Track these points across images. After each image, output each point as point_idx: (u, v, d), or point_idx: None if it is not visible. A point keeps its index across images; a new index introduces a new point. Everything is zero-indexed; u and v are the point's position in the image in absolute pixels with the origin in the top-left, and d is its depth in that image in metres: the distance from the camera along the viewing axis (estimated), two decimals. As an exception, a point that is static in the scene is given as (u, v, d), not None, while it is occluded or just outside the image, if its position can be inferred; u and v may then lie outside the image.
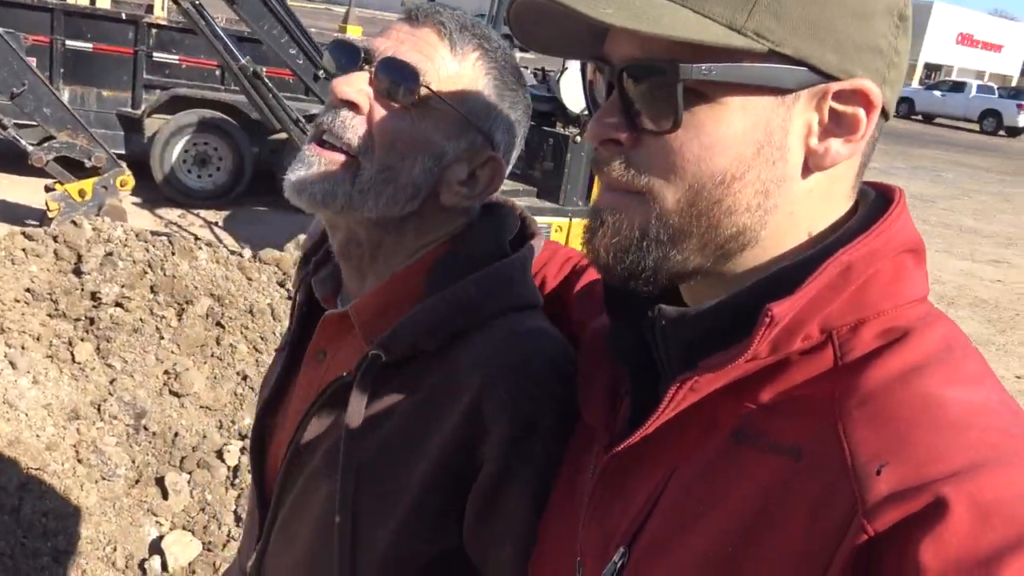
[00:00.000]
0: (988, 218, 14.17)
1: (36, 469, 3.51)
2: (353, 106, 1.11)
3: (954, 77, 47.99)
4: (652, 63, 0.77)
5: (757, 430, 0.75)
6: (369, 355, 1.10)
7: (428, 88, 1.09)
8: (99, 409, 3.99)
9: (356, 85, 1.10)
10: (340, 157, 1.11)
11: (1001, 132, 34.52)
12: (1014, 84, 56.45)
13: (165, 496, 3.72)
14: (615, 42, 0.83)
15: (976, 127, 35.22)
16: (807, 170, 0.79)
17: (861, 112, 0.77)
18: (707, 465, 0.78)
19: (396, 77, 1.09)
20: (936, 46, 56.68)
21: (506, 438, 1.05)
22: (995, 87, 38.11)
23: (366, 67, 1.11)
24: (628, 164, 0.81)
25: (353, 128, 1.11)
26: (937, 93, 36.98)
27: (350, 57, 1.13)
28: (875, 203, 0.84)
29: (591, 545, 0.89)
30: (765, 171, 0.78)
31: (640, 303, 0.87)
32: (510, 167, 1.23)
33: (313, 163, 1.12)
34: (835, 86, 0.76)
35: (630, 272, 0.82)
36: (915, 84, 48.09)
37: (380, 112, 1.11)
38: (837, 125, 0.78)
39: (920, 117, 36.74)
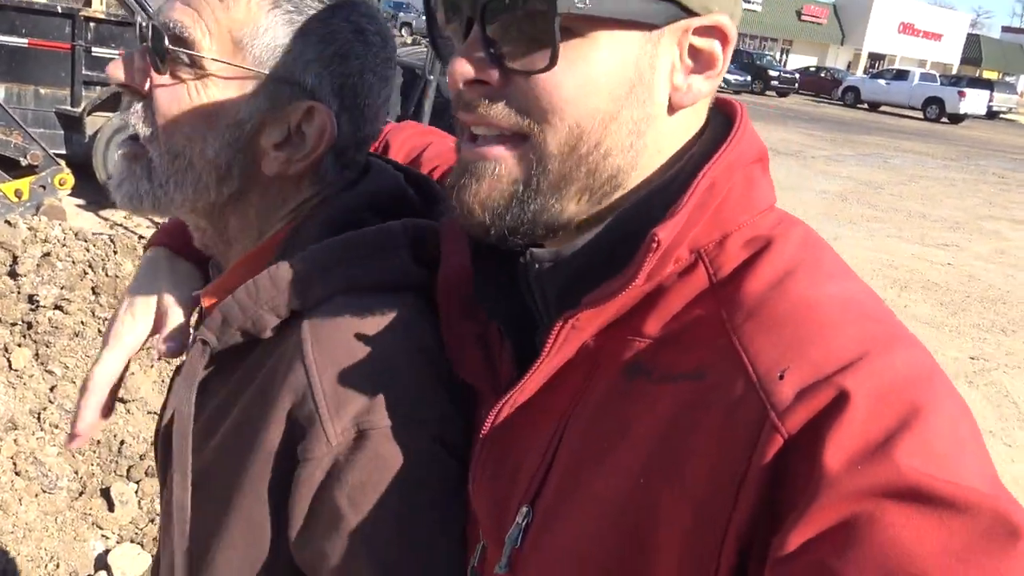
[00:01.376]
0: (935, 203, 14.40)
1: (-29, 484, 3.31)
2: (131, 91, 0.98)
3: (897, 66, 48.93)
4: None
5: (650, 364, 0.75)
6: (196, 341, 0.99)
7: (193, 49, 0.94)
8: (39, 418, 3.80)
9: (130, 65, 0.97)
10: (133, 148, 0.99)
11: (944, 119, 35.12)
12: (954, 72, 57.78)
13: (111, 508, 3.54)
14: None
15: (920, 115, 35.85)
16: (671, 107, 0.80)
17: (718, 47, 0.79)
18: (602, 405, 0.77)
19: (158, 46, 0.95)
20: (879, 36, 57.80)
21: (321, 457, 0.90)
22: (937, 75, 38.87)
23: (148, 39, 0.97)
24: (501, 107, 0.77)
25: (137, 115, 0.98)
26: (881, 81, 37.59)
27: (137, 31, 0.99)
28: (718, 120, 0.85)
29: (485, 516, 0.84)
30: (636, 110, 0.78)
31: (502, 249, 0.84)
32: (374, 109, 1.04)
33: (118, 162, 1.01)
34: (695, 22, 0.77)
35: (510, 228, 0.79)
36: (860, 73, 49.04)
37: (157, 92, 0.97)
38: (696, 61, 0.79)
39: (866, 105, 37.37)
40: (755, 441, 0.65)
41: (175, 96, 0.95)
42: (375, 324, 0.94)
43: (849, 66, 56.42)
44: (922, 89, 36.20)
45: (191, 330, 1.08)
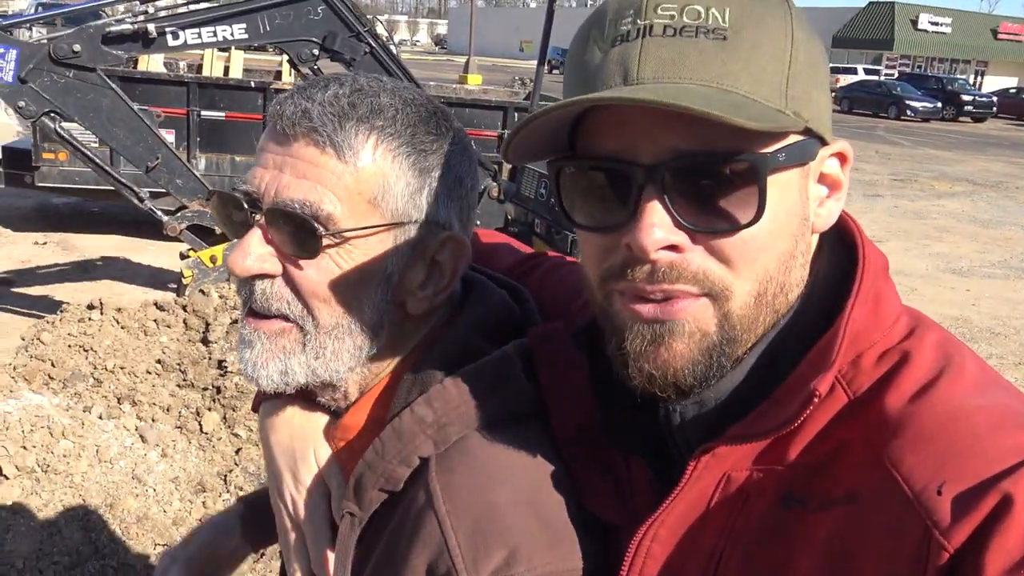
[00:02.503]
0: None
1: (163, 544, 3.51)
2: (261, 277, 0.92)
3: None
4: (726, 155, 0.73)
5: (802, 493, 0.76)
6: (344, 514, 0.94)
7: (328, 226, 0.88)
8: (225, 480, 3.99)
9: (252, 253, 0.90)
10: (279, 325, 0.93)
11: None
12: None
13: (288, 571, 3.65)
14: (645, 134, 0.72)
15: None
16: (811, 233, 0.83)
17: (839, 168, 0.83)
18: (758, 540, 0.77)
19: (291, 230, 0.89)
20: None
21: None
22: None
23: (256, 217, 0.91)
24: (691, 267, 0.76)
25: (277, 296, 0.92)
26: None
27: (238, 209, 0.93)
28: (836, 238, 0.87)
29: None
30: (803, 244, 0.81)
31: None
32: (474, 206, 1.02)
33: (254, 340, 0.94)
34: (828, 150, 0.82)
35: (702, 379, 0.79)
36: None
37: (296, 272, 0.91)
38: (826, 186, 0.83)
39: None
40: (925, 560, 0.66)
41: (322, 272, 0.91)
42: (507, 463, 0.89)
43: (1056, 84, 51.84)
44: None
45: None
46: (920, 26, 50.28)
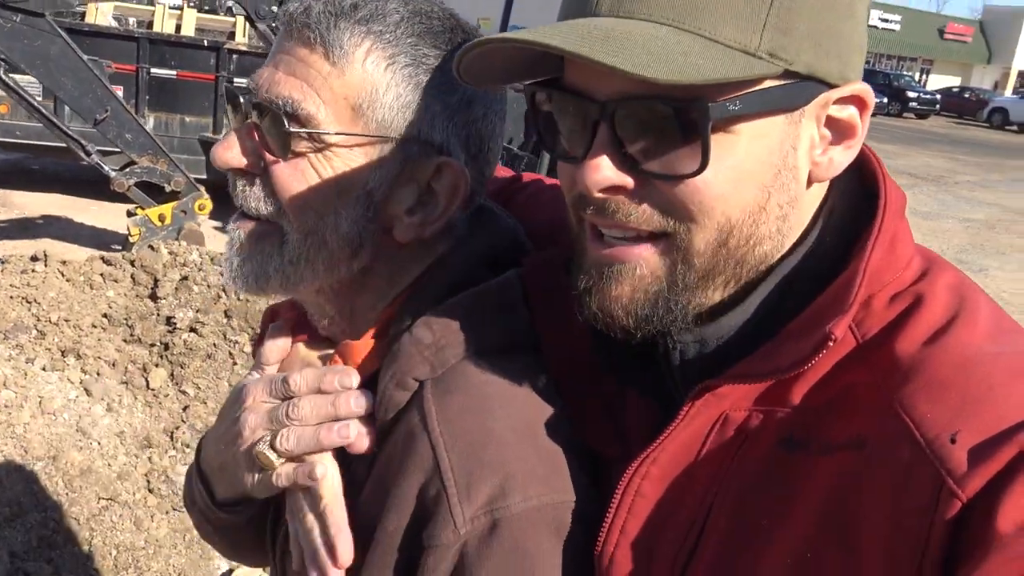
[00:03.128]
0: (1096, 233, 13.32)
1: (108, 499, 3.46)
2: (242, 172, 0.91)
3: (1051, 85, 45.91)
4: (667, 102, 0.69)
5: (805, 436, 0.73)
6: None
7: (309, 125, 0.86)
8: (172, 437, 3.94)
9: (234, 147, 0.89)
10: (260, 227, 0.92)
11: (1104, 141, 32.71)
12: (1117, 91, 53.70)
13: (236, 528, 3.63)
14: (599, 74, 0.70)
15: (1077, 137, 33.50)
16: (809, 182, 0.77)
17: (856, 114, 0.75)
18: (757, 482, 0.75)
19: (272, 127, 0.87)
20: (1030, 53, 54.41)
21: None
22: (1097, 94, 36.23)
23: (253, 115, 0.90)
24: (642, 210, 0.73)
25: (255, 196, 0.91)
26: (1033, 102, 35.37)
27: (233, 105, 0.91)
28: (853, 176, 0.81)
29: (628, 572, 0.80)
30: (782, 195, 0.75)
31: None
32: (496, 151, 0.96)
33: (235, 239, 0.93)
34: (835, 94, 0.74)
35: (657, 327, 0.77)
36: (1008, 93, 46.28)
37: (275, 171, 0.89)
38: (834, 132, 0.76)
39: (1015, 127, 35.16)
40: (933, 507, 0.64)
41: (297, 173, 0.88)
42: (507, 391, 0.87)
43: (996, 86, 53.34)
44: (1080, 109, 33.85)
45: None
46: (870, 22, 50.93)
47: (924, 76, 52.66)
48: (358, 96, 0.87)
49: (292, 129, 0.86)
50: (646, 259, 0.75)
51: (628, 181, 0.72)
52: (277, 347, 1.00)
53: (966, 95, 40.50)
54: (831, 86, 0.73)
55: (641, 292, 0.75)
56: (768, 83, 0.70)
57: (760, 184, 0.73)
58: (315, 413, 0.89)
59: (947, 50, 53.94)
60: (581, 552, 0.82)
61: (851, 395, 0.72)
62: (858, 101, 0.75)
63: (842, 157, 0.76)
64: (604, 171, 0.71)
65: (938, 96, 38.10)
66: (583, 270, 0.78)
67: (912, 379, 0.70)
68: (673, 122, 0.69)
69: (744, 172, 0.72)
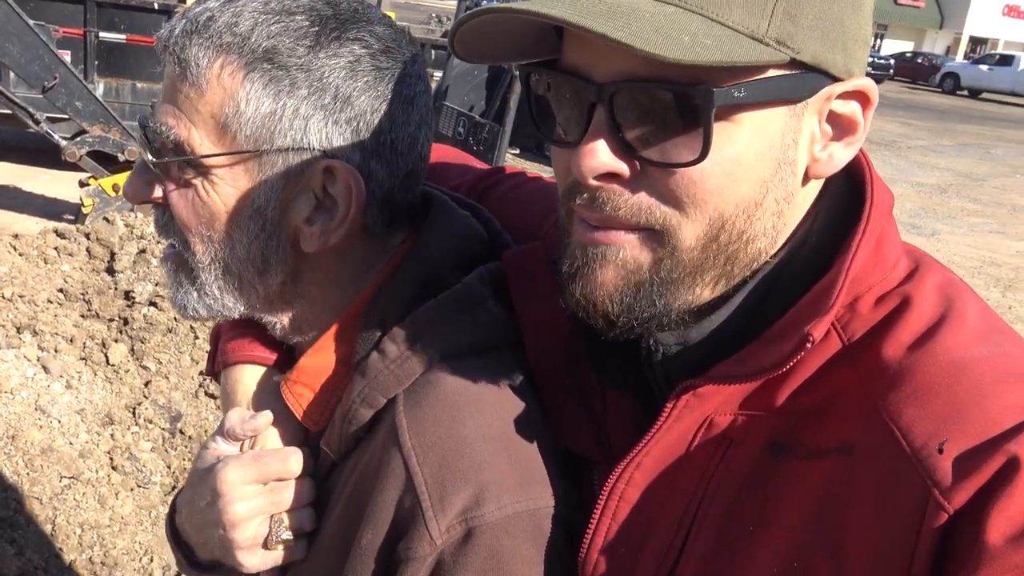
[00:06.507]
0: (1043, 197, 13.66)
1: (70, 478, 3.41)
2: (156, 205, 0.91)
3: (1000, 50, 46.64)
4: (669, 85, 0.66)
5: (792, 440, 0.72)
6: (320, 453, 0.94)
7: (185, 151, 0.85)
8: (134, 413, 3.89)
9: (143, 180, 0.90)
10: (176, 258, 0.93)
11: (1051, 106, 33.45)
12: (1063, 56, 54.70)
13: (202, 504, 3.61)
14: (599, 53, 0.68)
15: (1025, 101, 34.21)
16: (806, 179, 0.75)
17: (858, 110, 0.73)
18: (744, 486, 0.74)
19: (157, 156, 0.87)
20: (981, 19, 55.15)
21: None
22: (1044, 60, 36.91)
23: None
24: (633, 202, 0.71)
25: (165, 228, 0.92)
26: (983, 67, 35.96)
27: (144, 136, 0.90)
28: (842, 174, 0.78)
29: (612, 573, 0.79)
30: (779, 191, 0.73)
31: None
32: (407, 139, 0.90)
33: (166, 270, 0.95)
34: (839, 87, 0.72)
35: (639, 320, 0.74)
36: (959, 58, 46.93)
37: (171, 201, 0.89)
38: (836, 127, 0.74)
39: (966, 92, 35.76)
40: (920, 519, 0.63)
41: (187, 202, 0.88)
42: (477, 395, 0.85)
43: (948, 51, 54.05)
44: (1028, 75, 34.47)
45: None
46: (826, -14, 51.08)
47: (879, 41, 53.15)
48: (221, 114, 0.85)
49: (167, 159, 0.86)
50: (631, 244, 0.72)
51: (623, 168, 0.70)
52: (249, 427, 0.96)
53: (919, 60, 41.03)
54: (835, 79, 0.71)
55: (623, 279, 0.73)
56: (772, 72, 0.68)
57: (758, 178, 0.71)
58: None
59: (901, 15, 54.43)
60: (562, 558, 0.82)
61: (838, 399, 0.71)
62: (862, 97, 0.73)
63: (842, 154, 0.74)
64: (600, 156, 0.69)
65: (892, 61, 38.54)
66: (567, 254, 0.76)
67: (899, 384, 0.69)
68: (674, 107, 0.67)
69: (743, 165, 0.69)
